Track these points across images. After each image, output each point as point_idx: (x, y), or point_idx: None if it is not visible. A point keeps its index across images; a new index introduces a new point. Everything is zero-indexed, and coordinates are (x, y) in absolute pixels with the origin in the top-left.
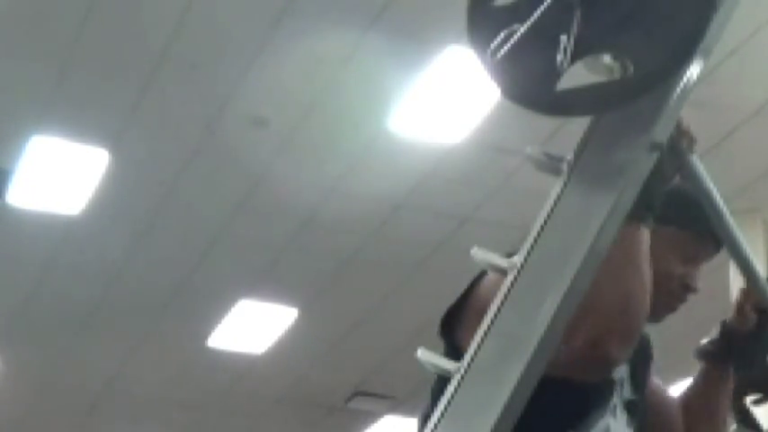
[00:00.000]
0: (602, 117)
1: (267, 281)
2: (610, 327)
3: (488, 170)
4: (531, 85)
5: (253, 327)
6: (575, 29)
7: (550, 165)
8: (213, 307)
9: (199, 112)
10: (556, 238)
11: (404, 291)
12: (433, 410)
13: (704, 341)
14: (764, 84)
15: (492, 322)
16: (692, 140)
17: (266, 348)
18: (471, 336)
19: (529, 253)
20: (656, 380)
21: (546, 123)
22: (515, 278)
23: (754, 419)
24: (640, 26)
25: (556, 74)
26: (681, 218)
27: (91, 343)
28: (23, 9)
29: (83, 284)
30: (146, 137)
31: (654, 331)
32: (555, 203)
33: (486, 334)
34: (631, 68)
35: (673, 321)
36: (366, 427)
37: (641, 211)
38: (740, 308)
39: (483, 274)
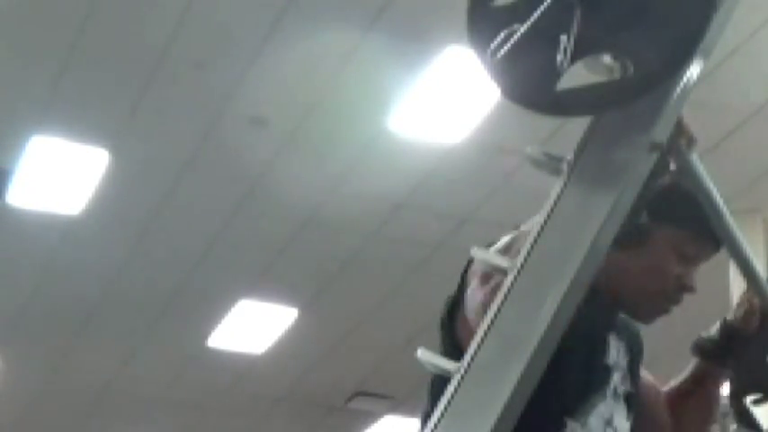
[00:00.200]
0: (602, 117)
1: (267, 281)
2: None
3: (488, 170)
4: (531, 85)
5: (253, 327)
6: (575, 29)
7: (550, 165)
8: (213, 307)
9: (199, 112)
10: (556, 238)
11: (404, 291)
12: (432, 410)
13: (702, 336)
14: (764, 84)
15: (492, 322)
16: (691, 140)
17: (266, 348)
18: (467, 327)
19: (529, 253)
20: (643, 372)
21: (546, 123)
22: (515, 278)
23: (754, 419)
24: (640, 26)
25: (556, 74)
26: (680, 217)
27: (91, 343)
28: (23, 9)
29: (83, 284)
30: (146, 137)
31: (653, 332)
32: (555, 203)
33: (486, 334)
34: (631, 68)
35: (672, 322)
36: (366, 427)
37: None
38: (748, 311)
39: (470, 263)
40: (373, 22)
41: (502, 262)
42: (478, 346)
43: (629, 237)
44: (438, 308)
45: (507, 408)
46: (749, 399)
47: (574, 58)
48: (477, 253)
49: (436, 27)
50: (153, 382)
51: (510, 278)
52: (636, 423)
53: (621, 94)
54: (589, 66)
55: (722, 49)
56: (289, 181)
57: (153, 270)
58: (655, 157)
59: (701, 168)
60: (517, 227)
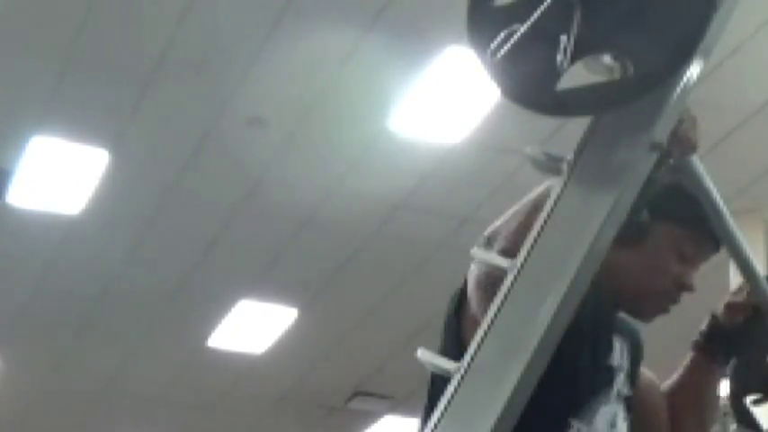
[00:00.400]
0: (602, 117)
1: (267, 281)
2: None
3: (488, 170)
4: (531, 85)
5: (253, 327)
6: (575, 29)
7: (550, 165)
8: (213, 307)
9: (199, 112)
10: (556, 238)
11: (404, 291)
12: (431, 411)
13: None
14: (764, 84)
15: (492, 322)
16: (691, 144)
17: (266, 348)
18: (470, 323)
19: (529, 253)
20: (644, 369)
21: (546, 123)
22: (515, 278)
23: (754, 419)
24: (640, 26)
25: (556, 74)
26: (680, 216)
27: (91, 343)
28: (24, 9)
29: (83, 284)
30: (146, 137)
31: (653, 331)
32: (555, 203)
33: (486, 334)
34: (631, 68)
35: (672, 322)
36: (366, 427)
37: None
38: (729, 303)
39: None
40: (373, 23)
41: (502, 262)
42: (478, 346)
43: (629, 234)
44: (438, 308)
45: (507, 408)
46: (749, 399)
47: (574, 58)
48: (478, 253)
49: (436, 27)
50: (153, 382)
51: (510, 278)
52: (633, 424)
53: (621, 94)
54: (589, 66)
55: (722, 49)
56: (288, 181)
57: (153, 270)
58: (655, 156)
59: (701, 168)
60: None
